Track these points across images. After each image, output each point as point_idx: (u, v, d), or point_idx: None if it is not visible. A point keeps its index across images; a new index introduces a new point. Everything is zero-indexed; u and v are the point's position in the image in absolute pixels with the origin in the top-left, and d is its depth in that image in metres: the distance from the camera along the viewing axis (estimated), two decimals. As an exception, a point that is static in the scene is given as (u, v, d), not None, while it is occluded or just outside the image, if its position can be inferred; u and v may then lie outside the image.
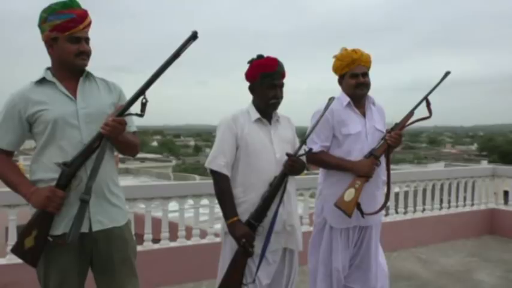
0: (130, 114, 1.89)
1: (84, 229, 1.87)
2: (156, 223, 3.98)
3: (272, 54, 2.28)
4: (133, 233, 3.54)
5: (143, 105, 1.84)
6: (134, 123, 2.10)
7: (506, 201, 5.85)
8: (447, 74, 2.63)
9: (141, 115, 1.86)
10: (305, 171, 2.47)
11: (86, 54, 1.92)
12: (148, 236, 3.86)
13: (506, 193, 5.92)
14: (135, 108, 1.87)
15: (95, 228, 1.90)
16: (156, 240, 3.93)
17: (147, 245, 3.85)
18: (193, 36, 1.81)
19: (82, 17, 1.88)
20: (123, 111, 1.87)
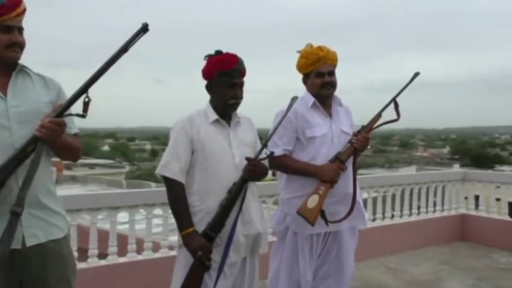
0: (71, 114, 1.82)
1: (16, 245, 1.77)
2: (103, 236, 3.89)
3: (238, 51, 2.28)
4: (76, 248, 3.47)
5: (86, 105, 1.78)
6: (76, 124, 2.02)
7: (477, 206, 6.10)
8: (416, 75, 2.72)
9: (83, 115, 1.79)
10: (272, 177, 2.48)
11: (19, 45, 1.83)
12: (93, 251, 3.76)
13: (477, 198, 6.17)
14: (77, 107, 1.81)
15: (29, 243, 1.81)
16: (102, 255, 3.83)
17: (92, 261, 3.74)
18: (144, 29, 1.78)
19: (15, 3, 1.80)
20: (62, 111, 1.79)
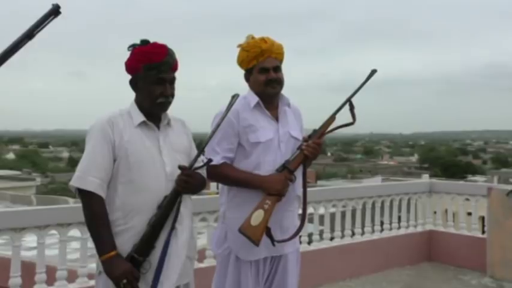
0: None
1: None
2: (4, 265, 3.77)
3: (172, 43, 2.28)
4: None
5: None
6: None
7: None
8: (373, 72, 2.83)
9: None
10: (217, 190, 2.48)
11: None
12: (-10, 283, 3.62)
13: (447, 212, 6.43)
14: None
15: None
16: (2, 288, 3.70)
17: (-11, 296, 3.60)
18: (54, 11, 1.75)
19: None
20: None
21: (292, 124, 2.78)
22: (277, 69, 2.70)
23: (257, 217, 2.50)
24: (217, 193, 2.90)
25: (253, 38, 2.70)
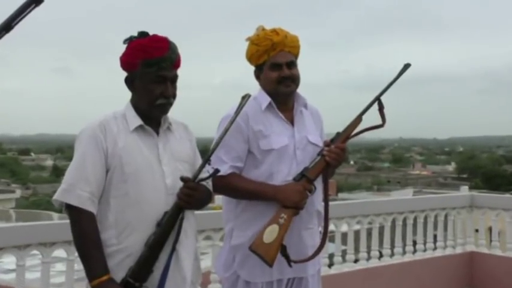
0: None
1: None
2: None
3: (167, 34, 2.29)
4: None
5: None
6: None
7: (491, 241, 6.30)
8: (406, 67, 2.84)
9: None
10: (221, 204, 2.48)
11: None
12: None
13: (491, 230, 6.37)
14: None
15: None
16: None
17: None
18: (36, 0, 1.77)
19: None
20: None
21: (310, 128, 2.79)
22: (292, 64, 2.71)
23: (271, 233, 2.50)
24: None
25: (263, 29, 2.72)
